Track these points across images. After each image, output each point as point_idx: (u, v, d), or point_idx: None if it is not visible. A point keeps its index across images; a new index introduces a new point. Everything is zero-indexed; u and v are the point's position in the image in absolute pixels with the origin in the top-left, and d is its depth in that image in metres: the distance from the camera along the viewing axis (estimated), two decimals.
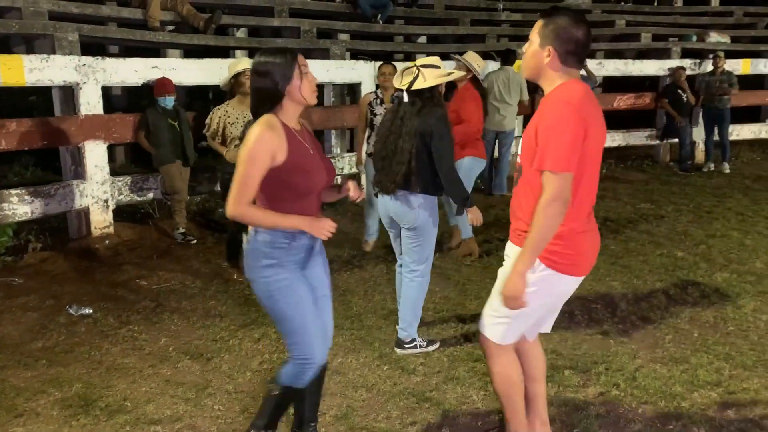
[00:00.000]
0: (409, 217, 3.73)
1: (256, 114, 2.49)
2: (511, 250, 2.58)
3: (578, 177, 2.35)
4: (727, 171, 9.52)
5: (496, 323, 2.62)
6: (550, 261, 2.43)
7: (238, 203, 2.39)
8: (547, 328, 2.80)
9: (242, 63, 5.03)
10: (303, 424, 2.83)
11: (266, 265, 2.48)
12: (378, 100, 5.64)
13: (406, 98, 3.74)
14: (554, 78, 2.41)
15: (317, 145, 2.65)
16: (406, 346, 3.90)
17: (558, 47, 2.36)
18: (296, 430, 2.86)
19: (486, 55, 8.91)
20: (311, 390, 2.76)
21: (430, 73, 3.74)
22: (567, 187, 2.31)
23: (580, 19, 2.38)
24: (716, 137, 9.70)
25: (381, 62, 5.77)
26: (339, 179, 7.21)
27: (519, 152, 2.54)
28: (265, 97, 2.46)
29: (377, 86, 5.74)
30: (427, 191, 3.72)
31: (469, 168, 5.54)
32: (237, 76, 5.03)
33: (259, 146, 2.37)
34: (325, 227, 2.45)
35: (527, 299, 2.44)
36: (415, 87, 3.70)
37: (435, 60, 3.92)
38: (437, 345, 3.95)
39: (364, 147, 5.77)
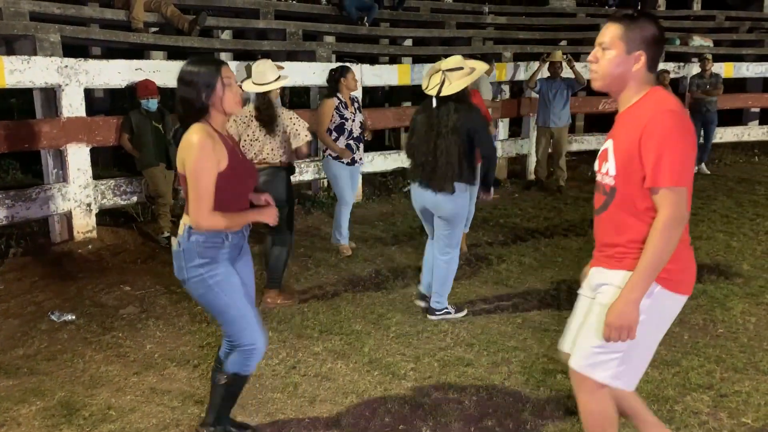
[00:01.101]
0: (449, 207, 4.12)
1: (184, 122, 2.57)
2: (605, 276, 2.31)
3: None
4: (707, 172, 9.60)
5: (605, 361, 2.27)
6: (665, 281, 2.19)
7: (203, 214, 2.51)
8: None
9: (270, 71, 4.55)
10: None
11: (200, 264, 2.60)
12: (343, 104, 5.64)
13: (434, 103, 4.03)
14: (640, 85, 2.23)
15: (239, 148, 2.80)
16: (437, 313, 4.38)
17: (648, 52, 2.19)
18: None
19: (471, 58, 8.92)
20: None
21: (455, 75, 4.00)
22: (685, 204, 2.13)
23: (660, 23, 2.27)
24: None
25: (346, 69, 5.67)
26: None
27: (605, 171, 2.30)
28: (191, 108, 2.54)
29: (335, 89, 5.64)
30: (467, 181, 4.11)
31: None
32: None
33: (205, 154, 2.48)
34: (273, 213, 2.72)
35: (643, 329, 2.19)
36: (443, 93, 3.98)
37: (458, 61, 4.12)
38: (465, 312, 4.44)
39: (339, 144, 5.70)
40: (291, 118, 4.63)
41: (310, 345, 4.00)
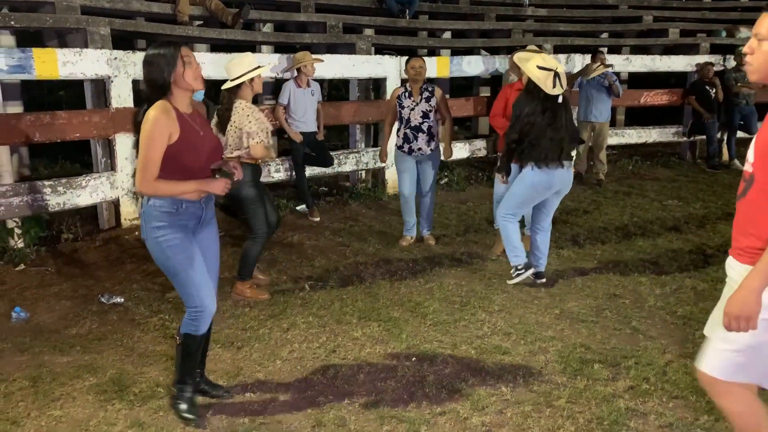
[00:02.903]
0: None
1: (149, 100, 2.83)
2: (736, 271, 2.21)
3: None
4: (742, 167, 9.38)
5: (718, 352, 2.22)
6: None
7: (146, 181, 2.78)
8: None
9: (251, 59, 4.51)
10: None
11: (157, 227, 2.87)
12: (406, 94, 5.71)
13: (560, 99, 4.55)
14: None
15: (207, 127, 3.02)
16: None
17: None
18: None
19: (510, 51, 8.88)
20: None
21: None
22: None
23: None
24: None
25: (409, 57, 5.81)
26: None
27: (749, 160, 2.22)
28: (156, 85, 2.80)
29: (405, 80, 5.78)
30: None
31: None
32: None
33: (157, 128, 2.74)
34: (219, 184, 2.88)
35: (762, 326, 2.09)
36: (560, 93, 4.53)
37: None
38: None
39: (393, 140, 5.80)
40: (249, 116, 4.35)
41: (349, 330, 4.09)
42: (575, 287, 4.86)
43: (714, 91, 9.42)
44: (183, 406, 3.10)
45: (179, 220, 2.88)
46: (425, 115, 5.70)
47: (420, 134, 5.71)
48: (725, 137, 9.83)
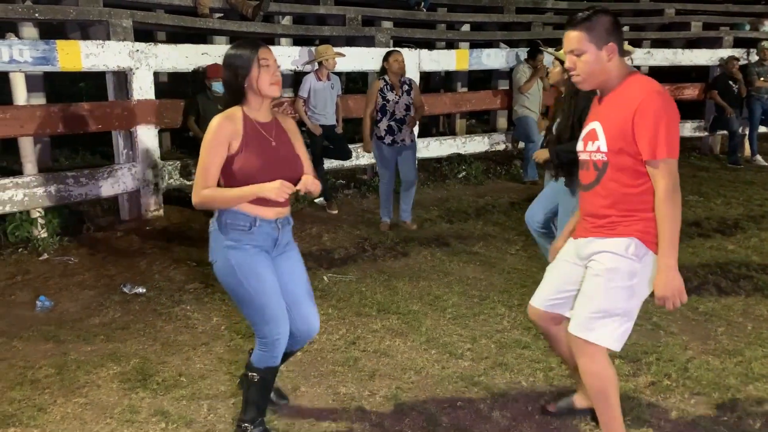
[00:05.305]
0: None
1: (226, 105, 2.62)
2: (598, 245, 2.50)
3: None
4: (764, 163, 9.28)
5: (609, 325, 2.48)
6: (653, 244, 2.44)
7: (196, 190, 2.54)
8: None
9: None
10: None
11: (227, 246, 2.59)
12: (388, 86, 5.85)
13: None
14: (619, 71, 2.45)
15: (287, 141, 2.70)
16: None
17: (616, 40, 2.43)
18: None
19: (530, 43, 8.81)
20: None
21: None
22: (677, 172, 2.39)
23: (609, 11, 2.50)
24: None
25: (390, 51, 5.96)
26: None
27: (594, 149, 2.49)
28: (231, 90, 2.59)
29: (384, 72, 5.88)
30: None
31: None
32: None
33: (216, 135, 2.52)
34: (275, 187, 2.50)
35: (638, 290, 2.49)
36: None
37: None
38: None
39: (377, 132, 5.96)
40: None
41: (369, 323, 4.10)
42: None
43: (737, 85, 9.31)
44: None
45: (253, 240, 2.60)
46: (407, 108, 5.91)
47: (404, 126, 5.91)
48: (747, 132, 9.71)
